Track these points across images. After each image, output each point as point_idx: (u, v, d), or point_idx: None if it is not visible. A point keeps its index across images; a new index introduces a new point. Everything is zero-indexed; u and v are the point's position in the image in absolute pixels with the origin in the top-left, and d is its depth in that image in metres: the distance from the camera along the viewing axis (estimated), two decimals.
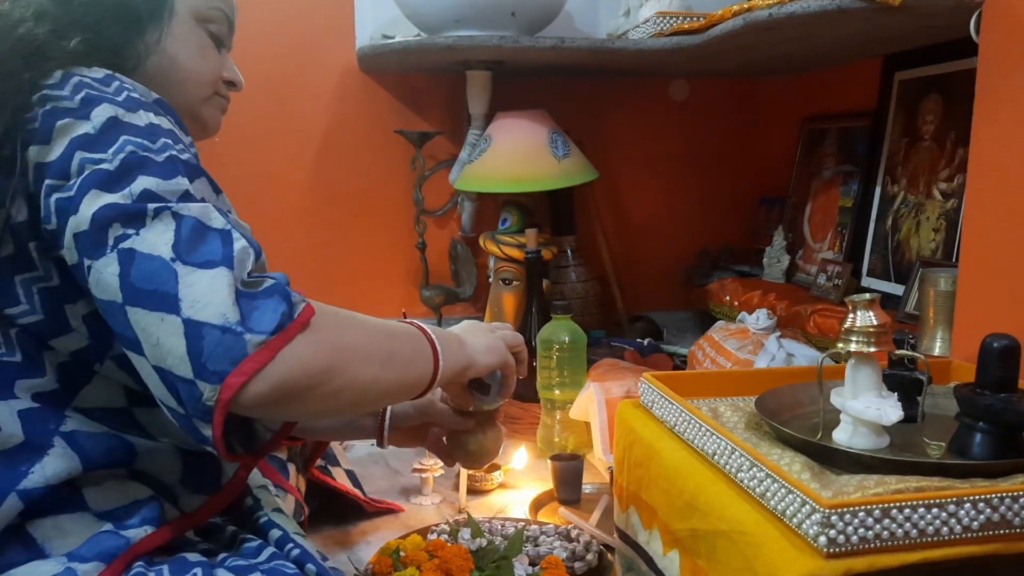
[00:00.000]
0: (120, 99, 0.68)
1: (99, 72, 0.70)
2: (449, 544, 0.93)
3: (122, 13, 0.77)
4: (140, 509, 0.69)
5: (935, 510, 0.55)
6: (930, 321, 1.10)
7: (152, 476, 0.72)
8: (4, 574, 0.63)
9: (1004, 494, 0.56)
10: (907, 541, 0.54)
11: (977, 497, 0.55)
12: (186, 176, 0.66)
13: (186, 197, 0.65)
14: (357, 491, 1.12)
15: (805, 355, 1.28)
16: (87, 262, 0.62)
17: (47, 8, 0.73)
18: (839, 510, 0.53)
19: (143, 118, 0.68)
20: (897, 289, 1.38)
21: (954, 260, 1.21)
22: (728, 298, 1.70)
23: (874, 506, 0.54)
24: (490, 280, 1.68)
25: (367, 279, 1.80)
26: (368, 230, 1.78)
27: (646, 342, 1.65)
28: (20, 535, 0.65)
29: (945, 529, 0.55)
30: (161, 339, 0.60)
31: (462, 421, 0.95)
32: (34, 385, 0.68)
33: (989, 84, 0.95)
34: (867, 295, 0.71)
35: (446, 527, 1.01)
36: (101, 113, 0.66)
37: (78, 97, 0.67)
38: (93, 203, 0.62)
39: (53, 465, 0.66)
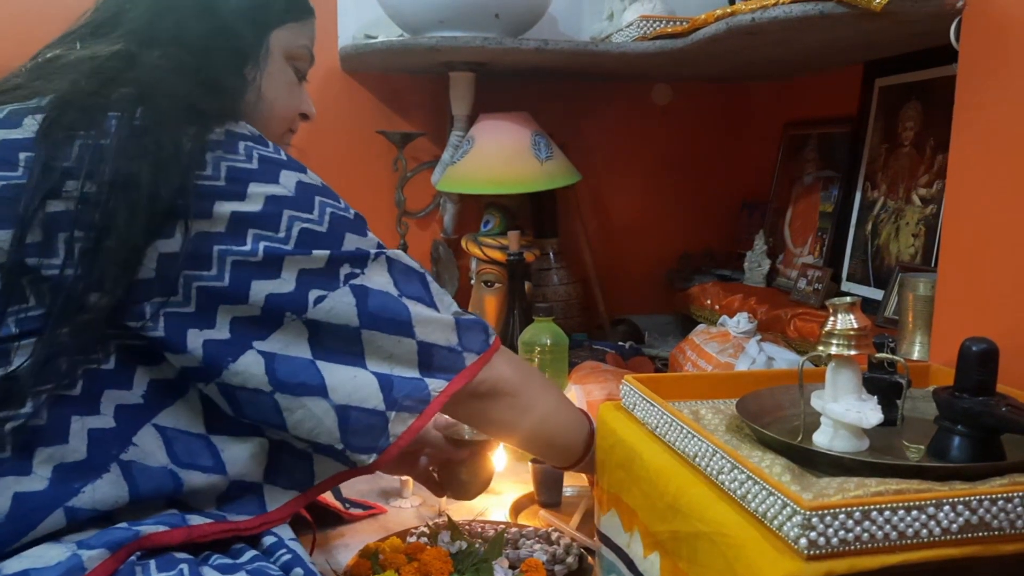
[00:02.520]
0: (284, 159, 0.76)
1: (245, 129, 0.76)
2: (428, 547, 0.92)
3: (234, 57, 0.81)
4: (160, 516, 0.71)
5: (914, 512, 0.55)
6: (909, 325, 1.11)
7: (188, 505, 0.74)
8: (16, 555, 0.64)
9: (983, 496, 0.56)
10: (887, 543, 0.55)
11: (956, 499, 0.56)
12: (369, 231, 0.79)
13: (381, 247, 0.79)
14: (338, 504, 1.11)
15: (785, 358, 1.28)
16: (318, 293, 0.72)
17: (183, 61, 0.76)
18: (819, 512, 0.53)
19: (314, 178, 0.78)
20: (877, 294, 1.39)
21: (933, 265, 1.22)
22: (709, 302, 1.71)
23: (854, 508, 0.54)
24: (472, 282, 1.68)
25: None
26: None
27: (628, 345, 1.65)
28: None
29: (924, 531, 0.55)
30: (395, 354, 0.76)
31: (455, 451, 0.96)
32: (120, 396, 0.70)
33: (968, 91, 0.96)
34: (847, 299, 0.72)
35: (425, 530, 1.00)
36: (290, 178, 0.75)
37: (254, 159, 0.74)
38: (322, 251, 0.73)
39: (103, 490, 0.68)
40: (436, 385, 0.77)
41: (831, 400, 0.71)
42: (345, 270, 0.74)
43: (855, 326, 0.71)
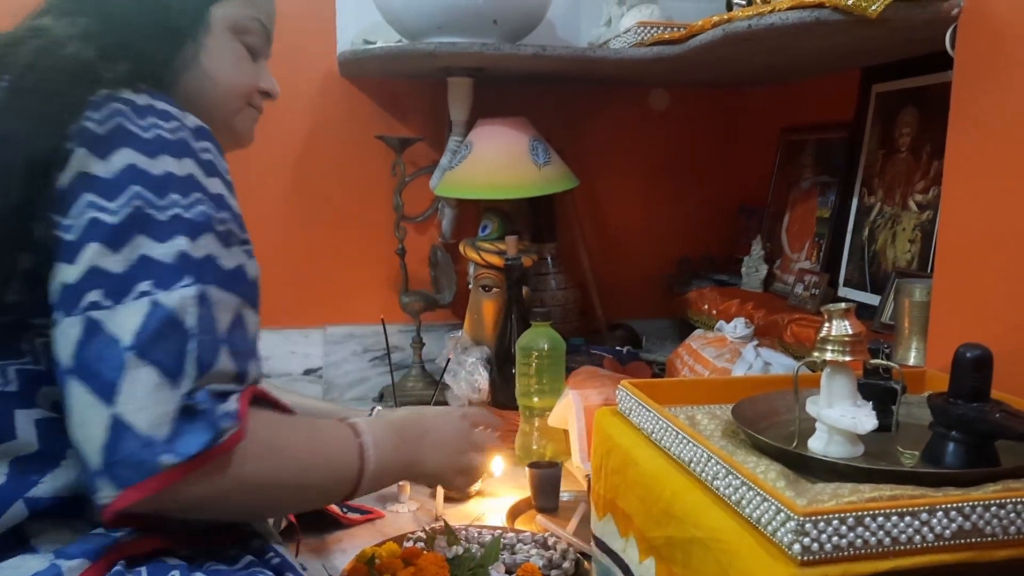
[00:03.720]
0: (146, 137, 0.68)
1: (143, 99, 0.70)
2: (425, 552, 0.93)
3: (164, 31, 0.77)
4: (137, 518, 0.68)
5: (908, 518, 0.55)
6: (905, 331, 1.11)
7: None
8: None
9: (976, 503, 0.56)
10: (880, 549, 0.55)
11: (949, 506, 0.56)
12: (187, 235, 0.67)
13: (181, 266, 0.65)
14: (335, 508, 1.11)
15: (782, 364, 1.29)
16: (56, 313, 0.64)
17: (93, 28, 0.73)
18: (813, 518, 0.54)
19: (160, 166, 0.68)
20: (873, 299, 1.39)
21: (929, 271, 1.22)
22: (707, 307, 1.71)
23: (848, 514, 0.54)
24: (470, 287, 1.68)
25: (346, 285, 1.79)
26: (348, 236, 1.77)
27: (625, 350, 1.66)
28: (15, 532, 0.66)
29: (918, 537, 0.55)
30: (87, 421, 0.62)
31: None
32: (54, 393, 0.67)
33: (964, 97, 0.96)
34: (842, 305, 0.72)
35: (422, 535, 1.00)
36: (120, 159, 0.66)
37: (107, 127, 0.67)
38: (89, 261, 0.64)
39: (63, 476, 0.67)
40: (106, 492, 0.62)
41: (826, 406, 0.71)
42: (93, 296, 0.63)
43: (850, 332, 0.71)
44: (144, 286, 0.64)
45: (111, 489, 0.61)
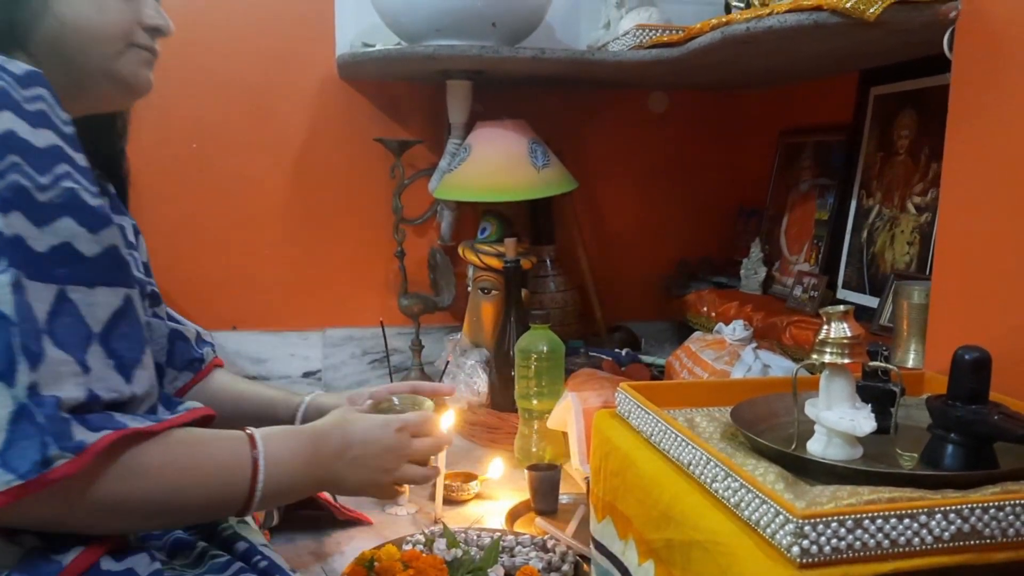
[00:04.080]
0: None
1: None
2: (424, 554, 0.92)
3: None
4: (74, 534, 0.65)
5: (907, 520, 0.55)
6: (904, 333, 1.11)
7: None
8: None
9: (974, 505, 0.56)
10: (879, 551, 0.55)
11: (948, 508, 0.56)
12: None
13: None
14: (328, 495, 1.11)
15: (781, 366, 1.29)
16: None
17: None
18: (812, 520, 0.54)
19: None
20: (872, 301, 1.39)
21: (928, 273, 1.23)
22: (705, 309, 1.71)
23: (846, 516, 0.54)
24: (469, 289, 1.68)
25: (345, 287, 1.80)
26: (347, 238, 1.77)
27: (624, 352, 1.66)
28: None
29: (917, 540, 0.55)
30: None
31: None
32: None
33: (962, 100, 0.97)
34: (841, 307, 0.72)
35: (421, 537, 1.00)
36: None
37: None
38: None
39: None
40: None
41: (825, 408, 0.71)
42: None
43: (848, 334, 0.71)
44: None
45: None
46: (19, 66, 0.64)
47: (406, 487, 1.18)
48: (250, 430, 0.75)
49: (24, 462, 0.56)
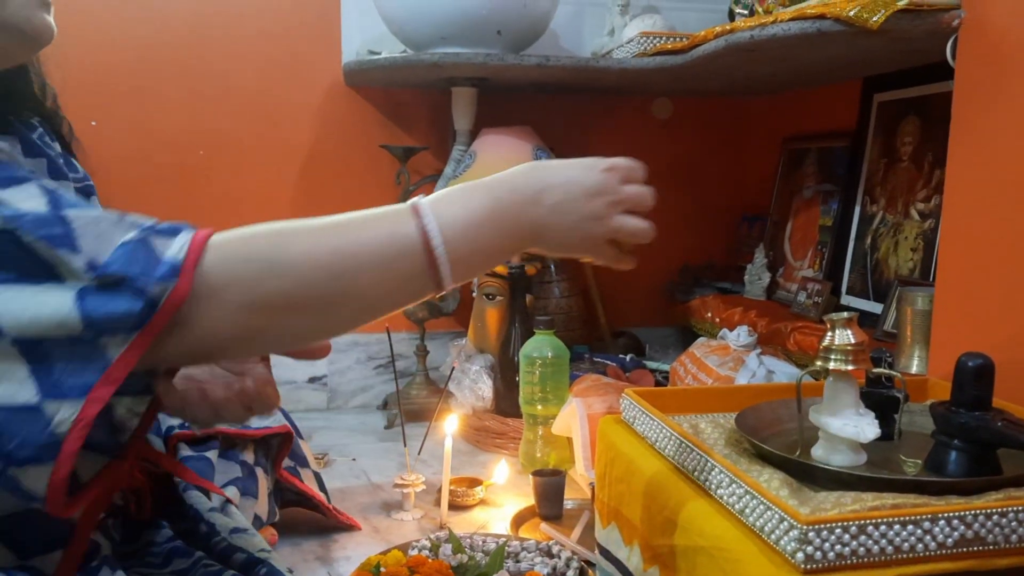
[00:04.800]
0: None
1: None
2: (430, 560, 0.93)
3: None
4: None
5: (910, 527, 0.56)
6: (907, 339, 1.11)
7: None
8: None
9: (977, 511, 0.57)
10: (883, 557, 0.55)
11: (951, 514, 0.56)
12: None
13: None
14: (322, 496, 1.12)
15: (785, 372, 1.29)
16: None
17: None
18: (816, 527, 0.54)
19: None
20: (876, 307, 1.39)
21: (931, 279, 1.23)
22: (710, 315, 1.72)
23: (851, 523, 0.55)
24: (473, 295, 1.69)
25: None
26: None
27: (628, 358, 1.66)
28: None
29: (920, 546, 0.56)
30: None
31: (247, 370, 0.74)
32: None
33: (964, 107, 0.97)
34: (844, 314, 0.73)
35: (427, 543, 1.00)
36: None
37: None
38: None
39: None
40: (62, 412, 0.51)
41: (829, 414, 0.72)
42: None
43: (852, 341, 0.72)
44: None
45: (45, 441, 0.50)
46: None
47: (412, 495, 1.19)
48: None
49: (123, 310, 0.51)
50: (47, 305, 0.51)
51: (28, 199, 0.54)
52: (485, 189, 0.64)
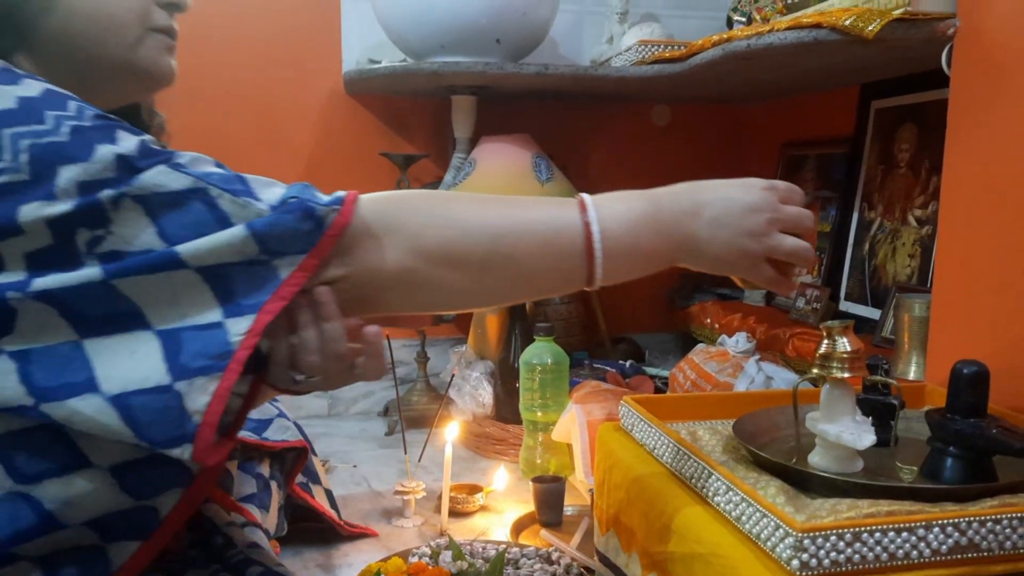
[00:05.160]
0: None
1: None
2: (430, 567, 0.93)
3: None
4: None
5: (905, 534, 0.56)
6: (905, 346, 1.12)
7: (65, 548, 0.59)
8: None
9: (972, 518, 0.57)
10: (878, 564, 0.56)
11: (946, 521, 0.57)
12: (105, 140, 0.55)
13: (126, 168, 0.55)
14: (333, 513, 1.12)
15: (784, 378, 1.29)
16: (59, 280, 0.53)
17: None
18: (811, 534, 0.55)
19: (7, 97, 0.55)
20: (874, 313, 1.40)
21: (929, 285, 1.23)
22: (709, 321, 1.72)
23: (845, 530, 0.55)
24: None
25: None
26: None
27: (628, 364, 1.66)
28: None
29: (915, 553, 0.56)
30: (179, 295, 0.55)
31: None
32: None
33: (960, 115, 0.98)
34: (840, 322, 0.73)
35: (427, 550, 1.01)
36: None
37: None
38: (33, 212, 0.52)
39: None
40: (239, 326, 0.55)
41: (826, 422, 0.72)
42: (83, 237, 0.53)
43: (848, 349, 0.72)
44: (112, 194, 0.56)
45: (219, 351, 0.54)
46: (33, 86, 0.57)
47: (412, 502, 1.19)
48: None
49: (296, 236, 0.57)
50: (223, 235, 0.55)
51: (206, 164, 0.60)
52: (647, 196, 0.67)
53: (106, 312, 0.54)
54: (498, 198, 0.65)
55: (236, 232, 0.56)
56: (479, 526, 1.19)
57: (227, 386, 0.55)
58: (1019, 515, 0.58)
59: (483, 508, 1.25)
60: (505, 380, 1.54)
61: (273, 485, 1.03)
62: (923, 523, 0.56)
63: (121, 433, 0.54)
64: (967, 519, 0.57)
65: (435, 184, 1.74)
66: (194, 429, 0.54)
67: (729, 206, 0.66)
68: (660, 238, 0.65)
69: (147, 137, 0.58)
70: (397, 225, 0.61)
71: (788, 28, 1.09)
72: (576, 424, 1.27)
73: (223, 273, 0.56)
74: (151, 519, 0.62)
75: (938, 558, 0.57)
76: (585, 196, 0.65)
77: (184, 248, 0.55)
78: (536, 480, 1.19)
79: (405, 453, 1.28)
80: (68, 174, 0.53)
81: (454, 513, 1.21)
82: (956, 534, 0.57)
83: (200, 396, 0.54)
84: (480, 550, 1.02)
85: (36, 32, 0.63)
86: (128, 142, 0.56)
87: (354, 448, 1.55)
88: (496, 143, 1.63)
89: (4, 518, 0.55)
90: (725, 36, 1.23)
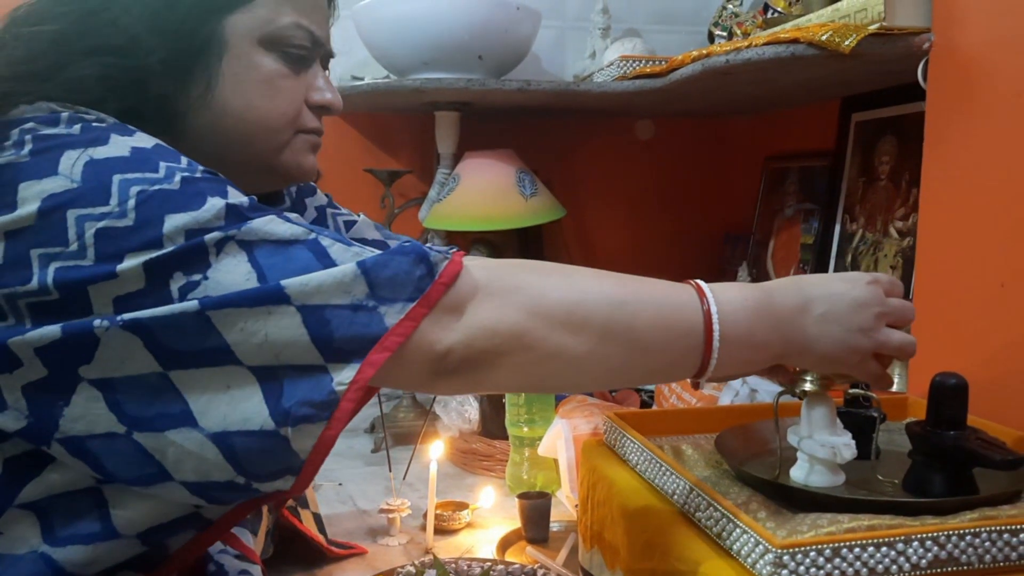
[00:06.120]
0: (78, 133, 0.55)
1: (42, 106, 0.57)
2: None
3: (156, 64, 0.60)
4: None
5: (884, 548, 0.56)
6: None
7: None
8: None
9: (951, 532, 0.57)
10: None
11: (925, 535, 0.57)
12: (216, 193, 0.54)
13: (235, 216, 0.54)
14: (321, 537, 1.11)
15: (768, 390, 1.29)
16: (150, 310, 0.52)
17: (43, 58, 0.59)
18: (791, 550, 0.54)
19: (121, 145, 0.55)
20: None
21: (910, 297, 1.24)
22: None
23: (825, 546, 0.55)
24: None
25: None
26: None
27: None
28: None
29: (895, 567, 0.56)
30: (273, 337, 0.52)
31: None
32: None
33: (936, 127, 0.99)
34: None
35: (412, 568, 1.00)
36: (68, 160, 0.53)
37: (26, 148, 0.54)
38: (135, 259, 0.52)
39: None
40: (343, 374, 0.53)
41: (806, 435, 0.72)
42: (178, 282, 0.52)
43: None
44: (218, 237, 0.55)
45: (325, 400, 0.53)
46: (146, 139, 0.56)
47: (397, 520, 1.18)
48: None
49: (405, 284, 0.55)
50: (332, 272, 0.53)
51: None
52: (759, 287, 0.65)
53: (194, 346, 0.52)
54: (612, 273, 0.64)
55: (346, 269, 0.53)
56: (465, 543, 1.18)
57: (333, 435, 0.54)
58: (998, 528, 0.58)
59: (469, 525, 1.24)
60: (491, 395, 1.54)
61: (264, 509, 1.02)
62: (902, 537, 0.56)
63: (222, 468, 0.53)
64: (946, 533, 0.57)
65: (420, 200, 1.75)
66: (300, 466, 0.54)
67: (837, 302, 0.65)
68: (772, 331, 0.64)
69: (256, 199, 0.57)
70: (514, 285, 0.58)
71: (766, 43, 1.10)
72: (562, 439, 1.26)
73: (325, 316, 0.53)
74: (159, 556, 0.61)
75: (918, 572, 0.56)
76: (700, 281, 0.64)
77: (289, 283, 0.52)
78: (522, 496, 1.18)
79: (390, 471, 1.28)
80: (176, 222, 0.52)
81: (440, 531, 1.20)
82: (936, 548, 0.57)
83: (307, 439, 0.53)
84: (465, 568, 1.02)
85: (185, 124, 0.62)
86: (239, 197, 0.55)
87: (340, 466, 1.54)
88: (480, 158, 1.64)
89: (22, 574, 0.55)
90: (705, 52, 1.24)
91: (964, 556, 0.57)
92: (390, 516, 1.20)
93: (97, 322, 0.51)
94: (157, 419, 0.52)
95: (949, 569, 0.57)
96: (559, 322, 0.57)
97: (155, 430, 0.52)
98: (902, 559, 0.56)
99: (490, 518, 1.26)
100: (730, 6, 1.58)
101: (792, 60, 1.08)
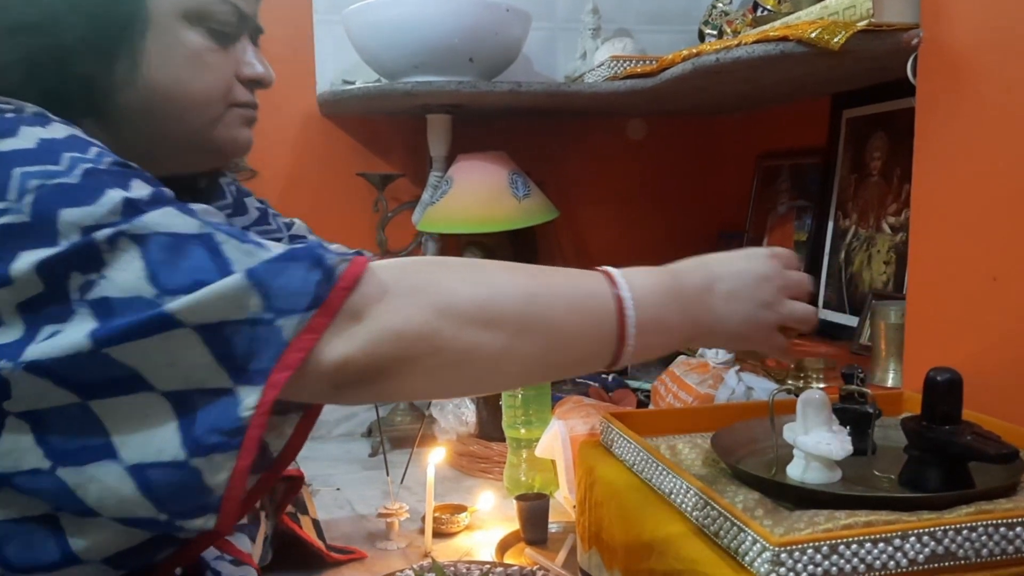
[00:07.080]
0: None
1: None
2: None
3: (79, 46, 0.58)
4: None
5: (881, 544, 0.56)
6: (882, 353, 1.13)
7: None
8: None
9: (947, 527, 0.57)
10: None
11: (922, 531, 0.57)
12: (116, 185, 0.52)
13: (131, 210, 0.51)
14: (320, 543, 1.11)
15: (764, 388, 1.29)
16: (51, 328, 0.50)
17: None
18: (788, 548, 0.55)
19: (29, 137, 0.53)
20: (852, 321, 1.41)
21: (903, 292, 1.24)
22: None
23: (822, 543, 0.55)
24: None
25: None
26: None
27: (611, 377, 1.66)
28: None
29: (892, 563, 0.56)
30: (179, 360, 0.49)
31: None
32: None
33: (927, 123, 0.99)
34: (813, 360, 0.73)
35: (411, 572, 1.00)
36: None
37: None
38: (25, 260, 0.49)
39: None
40: (250, 397, 0.50)
41: (802, 432, 0.72)
42: (76, 281, 0.50)
43: (823, 360, 0.73)
44: (111, 233, 0.52)
45: (233, 426, 0.50)
46: (59, 130, 0.54)
47: (396, 524, 1.18)
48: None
49: (301, 292, 0.51)
50: (219, 286, 0.50)
51: (217, 217, 0.55)
52: (666, 270, 0.64)
53: (104, 377, 0.50)
54: (524, 265, 0.60)
55: (235, 281, 0.50)
56: (464, 546, 1.18)
57: (244, 465, 0.51)
58: (995, 522, 0.58)
59: (468, 528, 1.24)
60: (488, 398, 1.54)
61: (262, 515, 1.02)
62: (899, 533, 0.57)
63: (141, 505, 0.51)
64: (943, 528, 0.57)
65: (413, 203, 1.75)
66: (218, 502, 0.51)
67: (741, 279, 0.65)
68: (680, 314, 0.63)
69: (168, 191, 0.54)
70: (421, 284, 0.54)
71: (756, 42, 1.10)
72: (559, 440, 1.26)
73: (225, 335, 0.50)
74: (143, 566, 0.59)
75: (915, 568, 0.57)
76: (609, 268, 0.62)
77: (175, 305, 0.49)
78: (520, 498, 1.18)
79: (388, 475, 1.28)
80: (69, 217, 0.50)
81: (439, 534, 1.20)
82: (932, 543, 0.57)
83: (220, 473, 0.51)
84: (464, 571, 1.02)
85: (111, 104, 0.61)
86: (142, 190, 0.53)
87: (337, 471, 1.54)
88: (472, 161, 1.64)
89: None
90: (695, 51, 1.24)
91: (961, 551, 0.57)
92: (388, 520, 1.19)
93: (2, 363, 0.49)
94: (80, 452, 0.50)
95: (946, 564, 0.57)
96: (470, 319, 0.54)
97: (78, 464, 0.50)
98: (899, 555, 0.56)
99: (489, 520, 1.26)
100: (720, 5, 1.58)
101: (782, 58, 1.08)
